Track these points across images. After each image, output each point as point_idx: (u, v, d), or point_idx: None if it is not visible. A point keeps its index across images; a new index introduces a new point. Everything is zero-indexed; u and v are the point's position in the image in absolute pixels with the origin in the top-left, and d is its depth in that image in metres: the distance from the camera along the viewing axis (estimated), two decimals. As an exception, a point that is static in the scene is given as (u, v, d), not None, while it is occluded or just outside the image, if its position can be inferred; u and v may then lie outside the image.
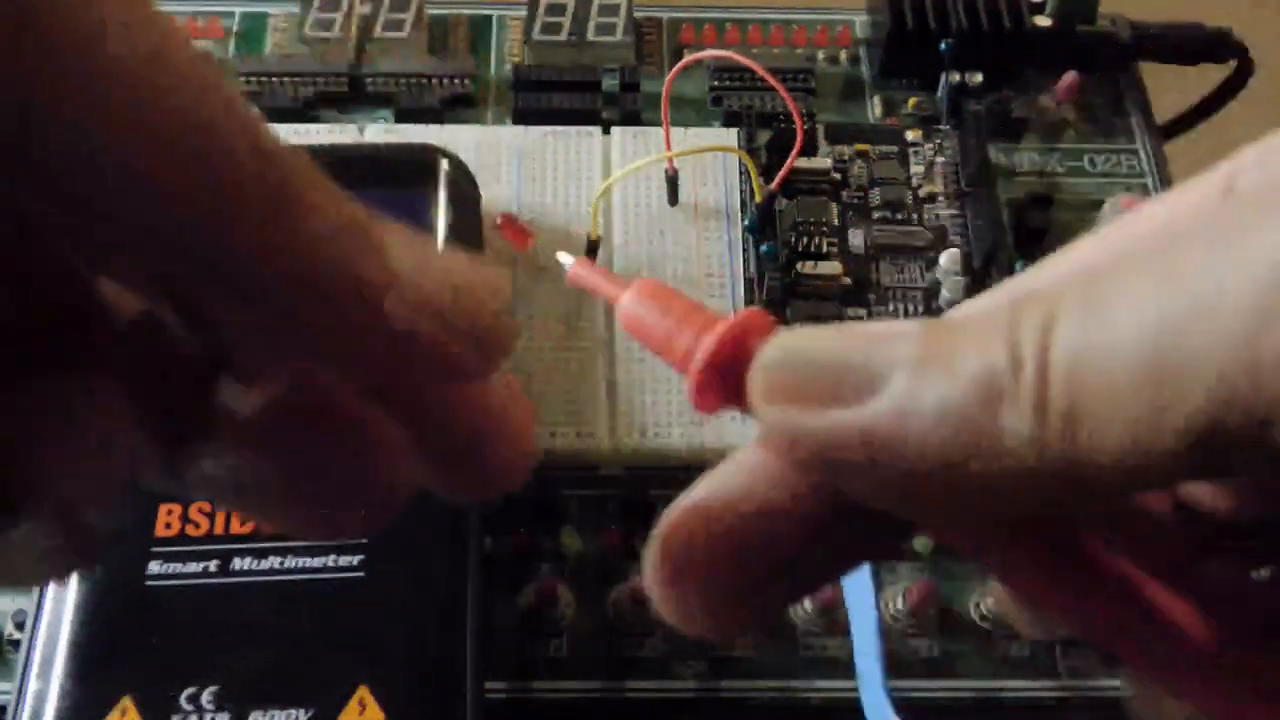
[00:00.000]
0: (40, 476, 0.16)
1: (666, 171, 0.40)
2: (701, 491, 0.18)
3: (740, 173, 0.41)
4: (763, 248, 0.40)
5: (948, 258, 0.41)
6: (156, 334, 0.16)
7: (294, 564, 0.31)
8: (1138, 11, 0.47)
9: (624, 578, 0.35)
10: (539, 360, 0.38)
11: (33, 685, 0.29)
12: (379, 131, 0.42)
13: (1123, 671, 0.18)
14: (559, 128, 0.42)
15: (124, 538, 0.19)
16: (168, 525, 0.31)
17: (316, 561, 0.31)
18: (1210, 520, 0.20)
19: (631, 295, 0.19)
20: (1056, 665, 0.35)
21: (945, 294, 0.41)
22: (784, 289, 0.40)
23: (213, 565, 0.31)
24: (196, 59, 0.13)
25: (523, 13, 0.46)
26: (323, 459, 0.17)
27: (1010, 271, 0.40)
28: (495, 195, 0.40)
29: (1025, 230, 0.42)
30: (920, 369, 0.15)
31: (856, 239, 0.42)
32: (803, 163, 0.42)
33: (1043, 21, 0.46)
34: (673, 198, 0.41)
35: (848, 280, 0.40)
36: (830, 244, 0.41)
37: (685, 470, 0.19)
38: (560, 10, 0.46)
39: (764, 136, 0.43)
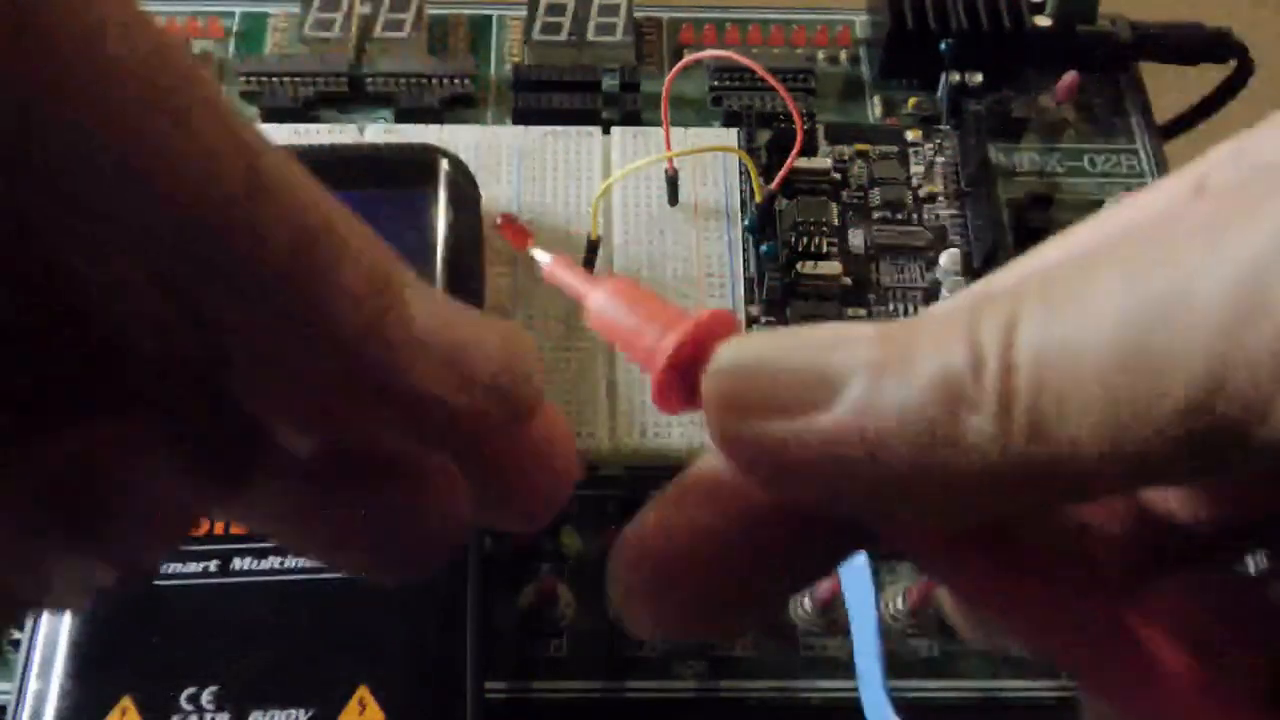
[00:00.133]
0: (98, 520, 0.16)
1: (666, 171, 0.40)
2: (654, 514, 0.18)
3: (740, 173, 0.41)
4: (763, 248, 0.40)
5: (948, 258, 0.41)
6: (199, 381, 0.16)
7: (294, 564, 0.31)
8: (1138, 11, 0.47)
9: (624, 578, 0.35)
10: (539, 360, 0.38)
11: (33, 685, 0.29)
12: (379, 131, 0.42)
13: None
14: (559, 128, 0.42)
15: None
16: (168, 525, 0.31)
17: (316, 561, 0.31)
18: (1168, 534, 0.19)
19: (601, 293, 0.19)
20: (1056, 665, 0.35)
21: (945, 294, 0.41)
22: (784, 289, 0.40)
23: (213, 565, 0.31)
24: (196, 63, 0.13)
25: (523, 13, 0.46)
26: (378, 503, 0.17)
27: (1010, 271, 0.40)
28: (495, 195, 0.40)
29: (1025, 230, 0.42)
30: (878, 372, 0.15)
31: (856, 239, 0.42)
32: (803, 163, 0.42)
33: (1043, 21, 0.46)
34: (673, 198, 0.41)
35: (848, 280, 0.40)
36: (830, 244, 0.41)
37: (685, 470, 0.19)
38: (560, 10, 0.46)
39: (764, 136, 0.43)
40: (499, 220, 0.39)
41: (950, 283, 0.41)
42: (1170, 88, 0.48)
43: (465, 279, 0.35)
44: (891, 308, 0.41)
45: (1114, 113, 0.46)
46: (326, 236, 0.14)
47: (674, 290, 0.39)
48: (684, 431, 0.37)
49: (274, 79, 0.44)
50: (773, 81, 0.39)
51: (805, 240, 0.40)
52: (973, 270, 0.41)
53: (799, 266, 0.40)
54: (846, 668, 0.34)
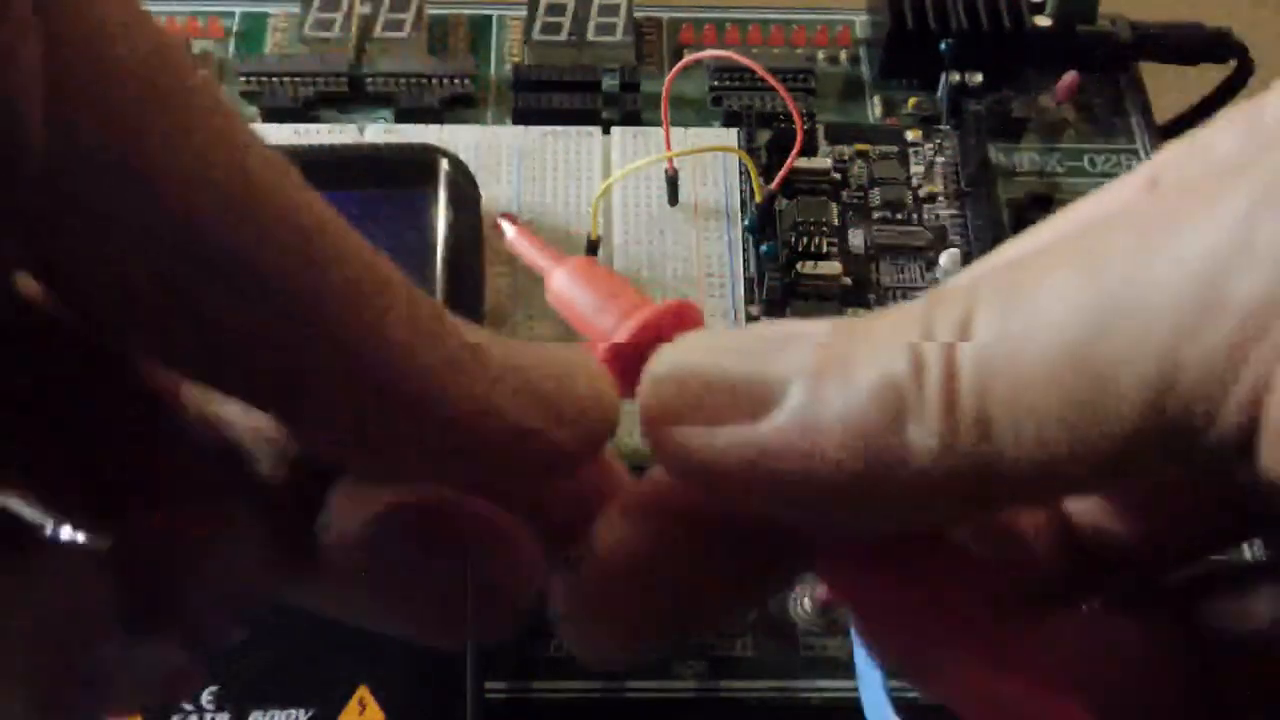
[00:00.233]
0: (178, 601, 0.16)
1: (666, 171, 0.40)
2: (592, 540, 0.17)
3: (740, 173, 0.41)
4: (763, 248, 0.40)
5: (948, 258, 0.41)
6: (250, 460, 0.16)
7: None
8: (1138, 11, 0.47)
9: (624, 578, 0.35)
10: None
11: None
12: (379, 131, 0.42)
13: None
14: (559, 128, 0.42)
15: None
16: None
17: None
18: (1099, 550, 0.19)
19: (563, 272, 0.19)
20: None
21: (945, 294, 0.41)
22: (784, 289, 0.40)
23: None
24: (194, 64, 0.13)
25: (523, 13, 0.46)
26: (462, 567, 0.16)
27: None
28: (495, 195, 0.40)
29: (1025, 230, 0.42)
30: (818, 380, 0.14)
31: (856, 239, 0.42)
32: (803, 163, 0.42)
33: (1043, 21, 0.46)
34: (673, 198, 0.41)
35: (848, 280, 0.40)
36: (830, 244, 0.41)
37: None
38: (560, 10, 0.46)
39: (764, 136, 0.43)
40: (499, 220, 0.39)
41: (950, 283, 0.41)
42: (1170, 88, 0.48)
43: (465, 279, 0.35)
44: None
45: (1114, 113, 0.46)
46: (319, 237, 0.14)
47: (674, 290, 0.39)
48: (684, 431, 0.37)
49: (274, 79, 0.44)
50: (773, 81, 0.39)
51: (805, 240, 0.40)
52: (973, 270, 0.41)
53: (799, 266, 0.40)
54: (846, 668, 0.34)
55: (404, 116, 0.44)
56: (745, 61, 0.41)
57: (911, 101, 0.45)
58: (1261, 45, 0.47)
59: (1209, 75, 0.47)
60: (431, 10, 0.47)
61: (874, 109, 0.46)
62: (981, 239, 0.41)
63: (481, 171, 0.40)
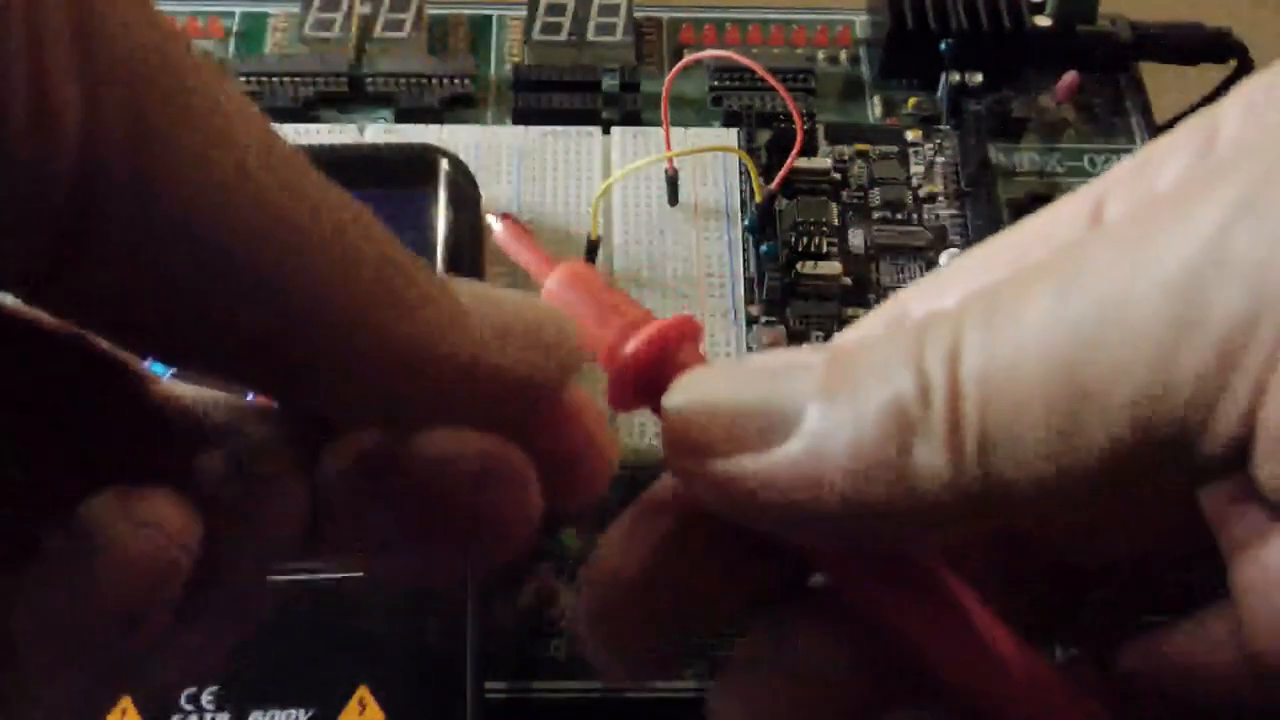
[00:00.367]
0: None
1: (666, 171, 0.40)
2: (602, 554, 0.18)
3: (740, 173, 0.41)
4: (763, 248, 0.40)
5: (948, 258, 0.41)
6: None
7: (294, 564, 0.31)
8: (1138, 11, 0.47)
9: (624, 578, 0.35)
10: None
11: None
12: (379, 131, 0.42)
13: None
14: (559, 128, 0.42)
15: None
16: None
17: (316, 561, 0.31)
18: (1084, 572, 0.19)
19: (558, 278, 0.19)
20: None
21: (945, 294, 0.41)
22: (784, 289, 0.40)
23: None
24: (197, 65, 0.13)
25: (523, 13, 0.46)
26: (467, 501, 0.17)
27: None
28: (495, 195, 0.40)
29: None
30: (827, 406, 0.15)
31: (856, 239, 0.42)
32: (803, 163, 0.42)
33: (1043, 21, 0.46)
34: (673, 198, 0.41)
35: (848, 280, 0.40)
36: (830, 244, 0.41)
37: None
38: (560, 10, 0.46)
39: (764, 136, 0.43)
40: (487, 218, 0.39)
41: (950, 283, 0.41)
42: (1170, 88, 0.48)
43: (465, 279, 0.35)
44: (891, 308, 0.41)
45: (1114, 113, 0.46)
46: (337, 236, 0.14)
47: (674, 290, 0.39)
48: (684, 431, 0.37)
49: (274, 79, 0.44)
50: (773, 81, 0.39)
51: (805, 240, 0.40)
52: (973, 270, 0.41)
53: (799, 266, 0.40)
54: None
55: (404, 116, 0.44)
56: (745, 61, 0.41)
57: (911, 101, 0.45)
58: (1261, 45, 0.47)
59: (1209, 75, 0.47)
60: (431, 10, 0.47)
61: (874, 109, 0.46)
62: (981, 239, 0.41)
63: (481, 171, 0.40)
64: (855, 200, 0.43)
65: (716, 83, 0.45)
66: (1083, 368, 0.13)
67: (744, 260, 0.40)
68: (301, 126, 0.42)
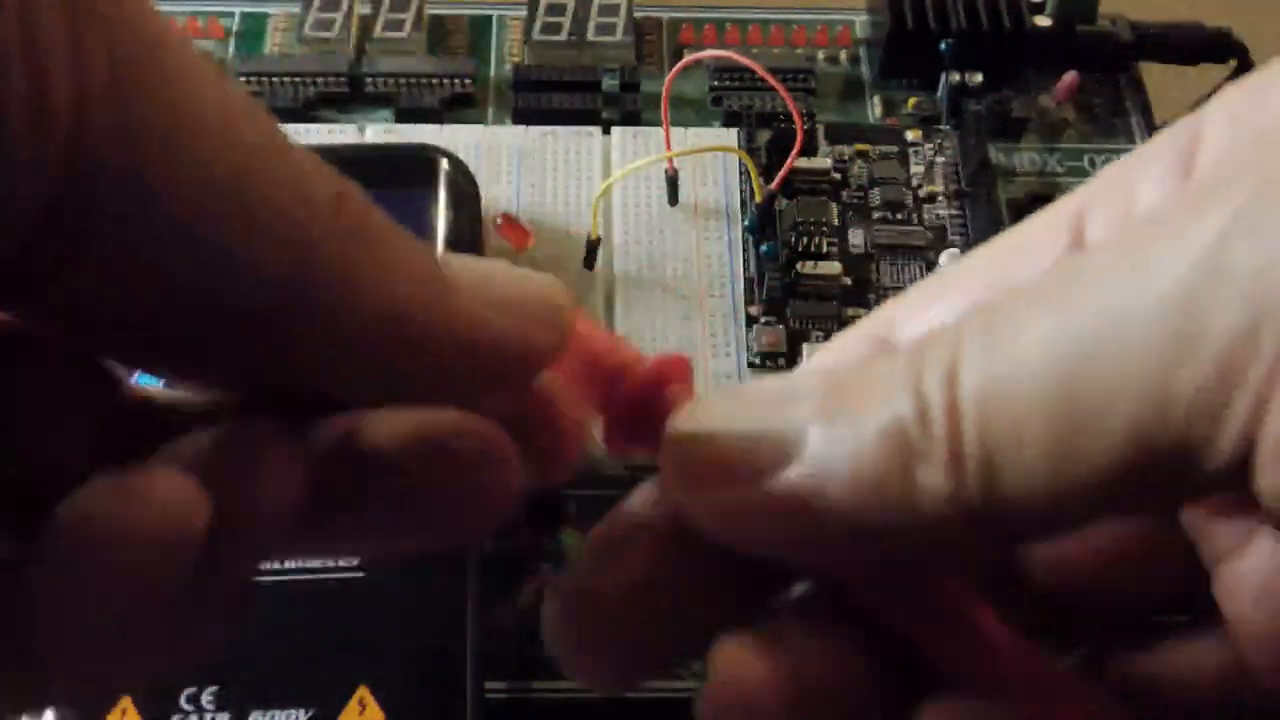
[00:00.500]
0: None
1: (666, 171, 0.40)
2: (585, 564, 0.18)
3: (740, 173, 0.41)
4: (763, 248, 0.40)
5: (948, 258, 0.41)
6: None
7: (294, 564, 0.31)
8: (1138, 11, 0.47)
9: (624, 578, 0.35)
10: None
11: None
12: (379, 131, 0.42)
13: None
14: (559, 128, 0.42)
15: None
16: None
17: (316, 561, 0.31)
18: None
19: None
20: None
21: (945, 294, 0.41)
22: (784, 289, 0.40)
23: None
24: (199, 67, 0.13)
25: (523, 13, 0.46)
26: (446, 474, 0.17)
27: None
28: (495, 195, 0.40)
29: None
30: (826, 430, 0.15)
31: (856, 239, 0.42)
32: (803, 163, 0.42)
33: (1043, 21, 0.46)
34: (673, 198, 0.41)
35: (848, 280, 0.40)
36: (830, 244, 0.41)
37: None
38: (560, 10, 0.46)
39: (764, 136, 0.43)
40: (499, 220, 0.39)
41: (950, 283, 0.41)
42: (1170, 88, 0.48)
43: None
44: (891, 308, 0.41)
45: (1114, 113, 0.46)
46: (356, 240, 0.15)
47: (674, 290, 0.39)
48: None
49: (274, 79, 0.44)
50: (773, 81, 0.39)
51: (805, 240, 0.40)
52: (973, 270, 0.41)
53: (799, 266, 0.40)
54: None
55: (404, 116, 0.44)
56: (745, 61, 0.41)
57: (911, 101, 0.45)
58: (1261, 45, 0.47)
59: (1209, 75, 0.47)
60: (431, 10, 0.47)
61: (874, 109, 0.46)
62: (981, 239, 0.41)
63: (481, 171, 0.40)
64: (855, 200, 0.43)
65: (716, 83, 0.45)
66: (1082, 384, 0.13)
67: (744, 260, 0.40)
68: (301, 126, 0.42)
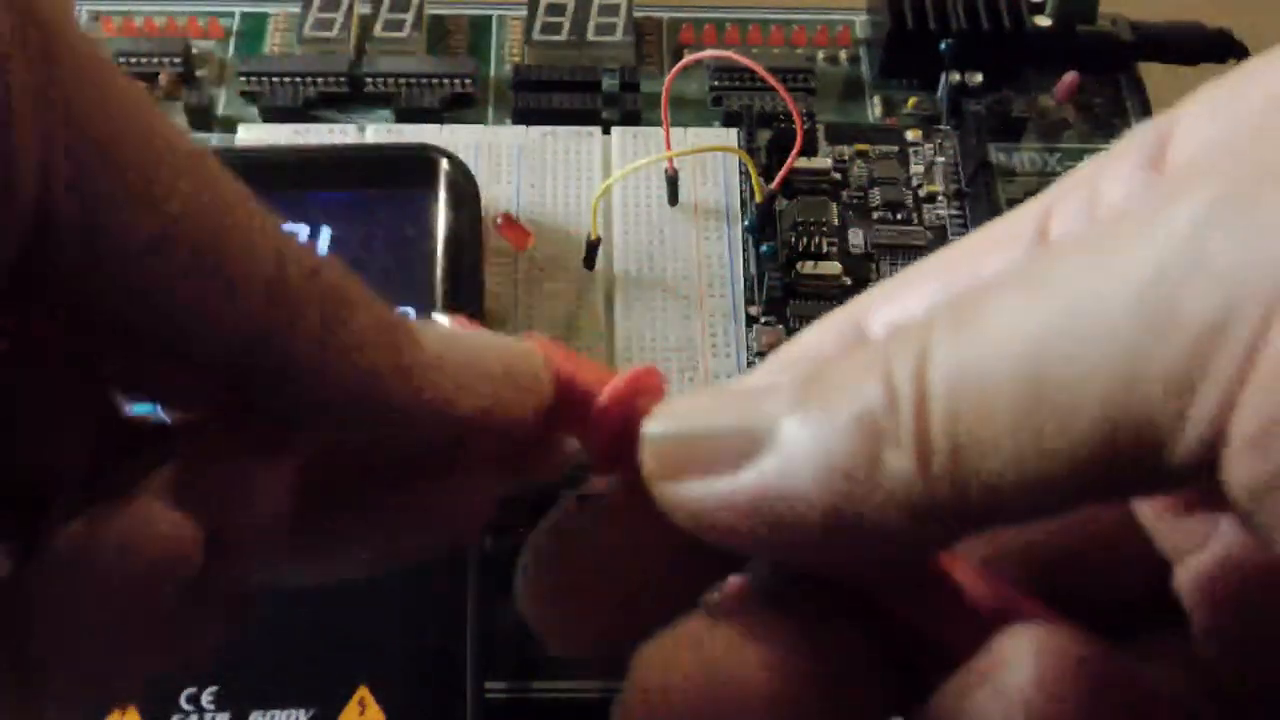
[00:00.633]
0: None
1: (666, 171, 0.40)
2: (560, 521, 0.18)
3: (740, 173, 0.41)
4: (763, 248, 0.40)
5: (948, 258, 0.41)
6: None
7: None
8: (1138, 11, 0.47)
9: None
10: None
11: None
12: (379, 131, 0.42)
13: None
14: (559, 128, 0.42)
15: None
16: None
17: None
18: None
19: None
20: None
21: (945, 294, 0.41)
22: (784, 289, 0.40)
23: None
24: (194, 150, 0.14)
25: (523, 13, 0.46)
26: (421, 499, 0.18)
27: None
28: (495, 195, 0.40)
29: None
30: (798, 421, 0.15)
31: (856, 239, 0.42)
32: (803, 163, 0.42)
33: (1043, 21, 0.46)
34: (673, 198, 0.41)
35: (848, 280, 0.40)
36: (830, 244, 0.41)
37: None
38: (560, 10, 0.46)
39: (764, 136, 0.43)
40: (499, 220, 0.39)
41: (950, 283, 0.41)
42: (1170, 88, 0.48)
43: (465, 279, 0.35)
44: (891, 308, 0.41)
45: (1114, 113, 0.46)
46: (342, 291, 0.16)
47: (674, 290, 0.39)
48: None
49: (274, 79, 0.44)
50: (773, 81, 0.39)
51: (805, 240, 0.40)
52: (973, 270, 0.41)
53: (799, 266, 0.40)
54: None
55: (404, 116, 0.44)
56: (745, 61, 0.41)
57: (911, 101, 0.45)
58: (1261, 45, 0.46)
59: (1209, 75, 0.47)
60: (431, 10, 0.47)
61: (874, 109, 0.46)
62: (981, 239, 0.41)
63: (481, 171, 0.40)
64: (855, 200, 0.43)
65: (716, 83, 0.45)
66: (1050, 371, 0.13)
67: (744, 260, 0.40)
68: (301, 126, 0.42)
